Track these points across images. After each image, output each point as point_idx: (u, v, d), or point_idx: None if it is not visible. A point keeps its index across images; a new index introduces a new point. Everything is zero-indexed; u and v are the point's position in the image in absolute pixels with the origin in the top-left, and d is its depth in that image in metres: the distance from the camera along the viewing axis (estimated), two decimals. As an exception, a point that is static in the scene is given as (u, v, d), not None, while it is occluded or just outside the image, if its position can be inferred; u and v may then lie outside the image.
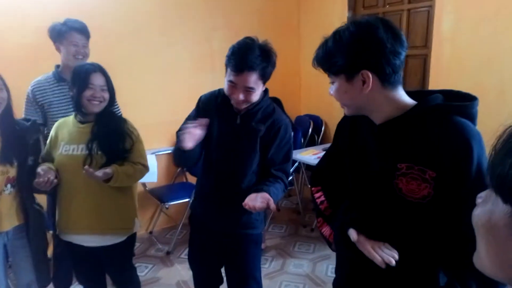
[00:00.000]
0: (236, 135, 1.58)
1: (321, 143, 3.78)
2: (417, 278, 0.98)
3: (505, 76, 2.42)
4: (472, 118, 0.93)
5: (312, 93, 4.03)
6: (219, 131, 1.60)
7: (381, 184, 0.98)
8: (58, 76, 2.19)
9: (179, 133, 1.51)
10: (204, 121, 1.53)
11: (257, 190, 1.41)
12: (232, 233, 1.67)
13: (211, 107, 1.63)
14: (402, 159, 0.94)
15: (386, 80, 0.94)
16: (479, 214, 0.48)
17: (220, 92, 1.64)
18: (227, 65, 1.50)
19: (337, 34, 0.96)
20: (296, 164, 3.45)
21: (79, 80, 1.69)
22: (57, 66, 2.23)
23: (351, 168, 1.11)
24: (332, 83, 1.02)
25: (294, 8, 3.91)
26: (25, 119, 1.89)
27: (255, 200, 1.34)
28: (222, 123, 1.60)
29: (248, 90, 1.47)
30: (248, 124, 1.57)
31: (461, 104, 0.93)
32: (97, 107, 1.71)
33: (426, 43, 2.90)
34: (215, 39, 3.42)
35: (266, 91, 1.62)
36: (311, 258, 2.90)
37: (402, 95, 0.98)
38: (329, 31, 1.02)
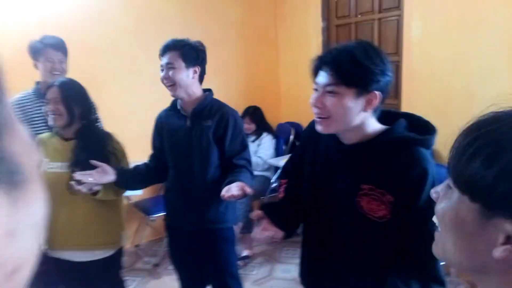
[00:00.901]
0: (188, 136, 1.69)
1: (303, 149, 3.86)
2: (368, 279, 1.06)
3: (472, 78, 2.56)
4: (430, 148, 1.01)
5: (292, 101, 4.12)
6: (172, 136, 1.74)
7: (343, 200, 1.04)
8: (38, 92, 2.19)
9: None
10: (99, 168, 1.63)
11: (228, 183, 1.49)
12: (202, 229, 1.73)
13: (162, 120, 1.81)
14: (366, 180, 1.00)
15: (378, 107, 1.01)
16: (443, 209, 0.51)
17: (171, 103, 1.82)
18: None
19: (367, 47, 0.97)
20: (280, 170, 3.51)
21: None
22: (37, 83, 2.24)
23: (310, 180, 1.16)
24: (330, 93, 0.97)
25: (271, 20, 4.02)
26: None
27: (230, 190, 1.41)
28: (174, 127, 1.73)
29: (169, 67, 1.64)
30: (198, 123, 1.68)
31: (422, 138, 0.99)
32: (56, 120, 1.70)
33: (397, 50, 3.04)
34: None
35: (210, 91, 1.77)
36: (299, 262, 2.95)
37: (375, 121, 1.04)
38: (305, 40, 1.07)
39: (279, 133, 3.90)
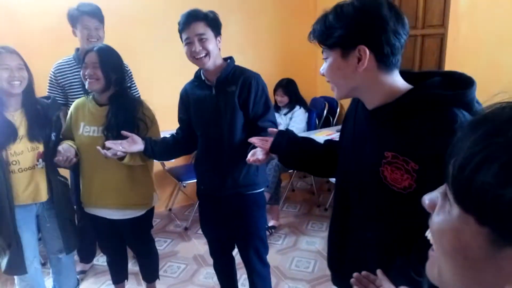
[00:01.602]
0: (214, 104, 1.70)
1: (336, 124, 3.79)
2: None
3: (523, 54, 2.36)
4: (468, 105, 0.86)
5: (328, 74, 4.02)
6: (199, 106, 1.75)
7: (368, 170, 0.97)
8: (78, 58, 2.29)
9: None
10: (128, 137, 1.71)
11: (254, 147, 1.46)
12: (234, 194, 1.77)
13: (188, 92, 1.81)
14: (389, 147, 0.91)
15: (383, 61, 0.90)
16: (441, 225, 0.41)
17: (195, 75, 1.82)
18: (180, 35, 1.66)
19: (339, 7, 0.92)
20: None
21: (81, 62, 1.80)
22: (77, 49, 2.34)
23: (341, 151, 1.12)
24: (325, 59, 0.97)
25: (310, -12, 3.88)
26: (45, 97, 2.00)
27: (256, 154, 1.39)
28: (200, 99, 1.74)
29: (201, 39, 1.61)
30: (222, 90, 1.69)
31: (455, 93, 0.87)
32: (93, 84, 1.74)
33: (443, 22, 2.84)
34: (231, 22, 3.45)
35: (231, 59, 1.75)
36: (324, 236, 2.97)
37: (397, 80, 0.93)
38: None
39: (313, 107, 3.85)
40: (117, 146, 1.66)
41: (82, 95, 2.19)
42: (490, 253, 0.36)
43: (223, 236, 1.95)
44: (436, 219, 0.42)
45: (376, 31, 0.87)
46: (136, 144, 1.71)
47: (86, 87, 1.79)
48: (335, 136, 3.30)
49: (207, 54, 1.63)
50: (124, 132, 1.71)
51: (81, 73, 1.79)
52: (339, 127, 3.86)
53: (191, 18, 1.62)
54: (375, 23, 0.87)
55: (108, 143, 1.65)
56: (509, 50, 2.41)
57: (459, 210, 0.38)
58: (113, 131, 1.77)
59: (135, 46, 3.00)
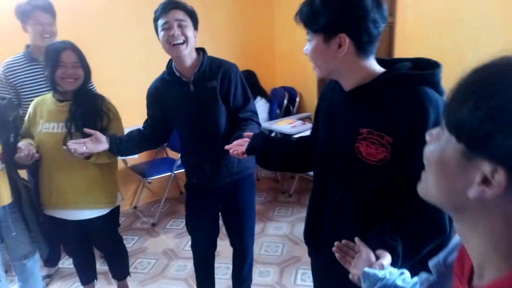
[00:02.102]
0: (195, 101, 1.67)
1: (296, 113, 3.90)
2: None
3: (464, 40, 2.56)
4: (435, 85, 0.96)
5: (287, 65, 4.11)
6: (178, 105, 1.71)
7: (343, 147, 1.05)
8: (29, 56, 2.20)
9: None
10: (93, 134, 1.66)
11: (235, 138, 1.47)
12: (228, 182, 1.80)
13: (161, 91, 1.74)
14: (364, 124, 0.99)
15: (361, 48, 0.97)
16: (432, 150, 0.53)
17: (162, 74, 1.75)
18: (156, 21, 1.60)
19: None
20: (273, 134, 3.58)
21: (50, 59, 1.71)
22: (27, 46, 2.23)
23: (318, 132, 1.19)
24: (309, 41, 1.03)
25: (265, -20, 3.93)
26: (0, 98, 1.91)
27: (238, 145, 1.40)
28: (178, 96, 1.69)
29: (181, 25, 1.57)
30: (202, 87, 1.66)
31: (424, 73, 0.96)
32: (72, 84, 1.73)
33: (392, 11, 3.01)
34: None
35: (204, 51, 1.72)
36: (290, 220, 3.09)
37: (373, 64, 1.01)
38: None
39: (273, 98, 3.93)
40: (81, 147, 1.60)
41: (35, 94, 2.13)
42: (462, 165, 0.47)
43: (213, 228, 1.97)
44: (430, 147, 0.53)
45: (357, 21, 0.94)
46: (100, 144, 1.66)
47: (62, 87, 1.73)
48: (297, 124, 3.41)
49: (185, 41, 1.58)
50: (87, 130, 1.66)
51: (56, 72, 1.69)
52: (300, 115, 4.01)
53: (171, 5, 1.57)
54: (357, 14, 0.93)
55: (71, 144, 1.59)
56: (451, 37, 2.61)
57: (447, 133, 0.49)
58: (77, 124, 1.73)
59: (90, 42, 2.90)
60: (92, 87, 2.46)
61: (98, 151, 1.67)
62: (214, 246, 2.02)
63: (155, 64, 3.47)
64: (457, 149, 0.47)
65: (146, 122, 1.86)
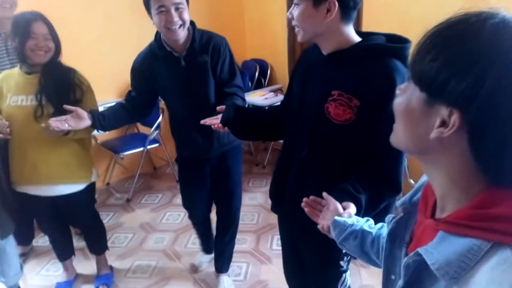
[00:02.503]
0: (186, 76, 1.67)
1: (268, 85, 3.92)
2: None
3: (429, 9, 2.65)
4: (404, 59, 1.04)
5: (257, 38, 4.08)
6: (169, 79, 1.69)
7: (313, 106, 1.13)
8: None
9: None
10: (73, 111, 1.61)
11: (218, 113, 1.48)
12: (219, 154, 1.86)
13: (149, 64, 1.70)
14: (336, 86, 1.07)
15: (346, 13, 1.04)
16: (399, 101, 0.58)
17: (154, 44, 1.69)
18: (148, 2, 1.55)
19: None
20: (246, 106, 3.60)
21: (20, 30, 1.63)
22: (-14, 17, 2.10)
23: (291, 95, 1.25)
24: (296, 5, 1.07)
25: None
26: None
27: (213, 119, 1.43)
28: (169, 71, 1.68)
29: (178, 8, 1.53)
30: (193, 61, 1.66)
31: (396, 46, 1.05)
32: (42, 57, 1.67)
33: (360, -19, 3.04)
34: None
35: (193, 24, 1.69)
36: (264, 190, 3.16)
37: (352, 32, 1.09)
38: None
39: (244, 70, 3.92)
40: (62, 124, 1.54)
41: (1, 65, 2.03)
42: (424, 111, 0.53)
43: (207, 196, 2.03)
44: (398, 99, 0.59)
45: None
46: (82, 120, 1.61)
47: (32, 59, 1.66)
48: (268, 96, 3.44)
49: (182, 24, 1.56)
50: (66, 107, 1.60)
51: (26, 44, 1.61)
52: (272, 87, 4.03)
53: None
54: None
55: (53, 122, 1.53)
56: (417, 7, 2.69)
57: (412, 85, 0.55)
58: (48, 95, 1.68)
59: (56, 14, 2.76)
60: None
61: (80, 128, 1.62)
62: (209, 210, 2.14)
63: (123, 37, 3.38)
64: (420, 97, 0.53)
65: (128, 95, 1.82)
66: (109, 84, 3.16)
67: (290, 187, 1.25)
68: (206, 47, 1.67)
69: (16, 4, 2.09)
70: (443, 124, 0.50)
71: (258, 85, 3.93)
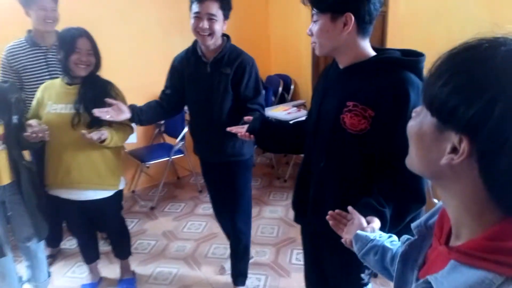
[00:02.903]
0: (208, 82, 1.79)
1: (291, 100, 3.98)
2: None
3: (453, 28, 2.65)
4: (418, 72, 1.08)
5: (281, 53, 4.17)
6: (193, 81, 1.83)
7: (330, 117, 1.17)
8: (31, 41, 2.23)
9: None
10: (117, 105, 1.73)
11: (242, 124, 1.58)
12: (224, 162, 1.94)
13: (183, 63, 1.87)
14: (352, 98, 1.11)
15: (362, 28, 1.09)
16: (412, 124, 0.58)
17: (187, 50, 1.87)
18: (191, 3, 1.70)
19: None
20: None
21: (66, 44, 1.76)
22: (29, 31, 2.26)
23: (312, 105, 1.31)
24: (315, 21, 1.13)
25: (261, -32, 3.96)
26: (3, 81, 1.95)
27: (239, 128, 1.53)
28: (195, 73, 1.82)
29: (211, 18, 1.67)
30: (217, 70, 1.78)
31: (410, 59, 1.09)
32: (83, 70, 1.79)
33: (385, 1, 3.08)
34: (184, 2, 3.43)
35: (228, 38, 1.82)
36: (285, 204, 3.19)
37: (368, 46, 1.14)
38: None
39: (268, 85, 3.99)
40: (104, 114, 1.66)
41: (36, 79, 2.17)
42: (436, 137, 0.53)
43: (222, 198, 2.12)
44: (412, 122, 0.59)
45: (362, 2, 1.06)
46: (122, 113, 1.72)
47: (74, 72, 1.79)
48: (291, 111, 3.49)
49: (211, 34, 1.69)
50: (108, 100, 1.71)
51: (70, 58, 1.75)
52: (295, 102, 4.08)
53: None
54: None
55: (96, 111, 1.64)
56: (441, 24, 2.70)
57: (424, 109, 0.55)
58: (86, 105, 1.78)
59: (88, 27, 2.93)
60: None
61: (120, 120, 1.73)
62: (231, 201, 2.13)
63: (150, 53, 3.52)
64: (431, 122, 0.53)
65: (163, 93, 1.97)
66: (137, 96, 3.27)
67: (311, 197, 1.28)
68: (233, 61, 1.77)
69: (58, 19, 2.23)
70: (454, 150, 0.50)
71: (282, 100, 4.00)
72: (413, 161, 0.59)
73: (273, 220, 2.97)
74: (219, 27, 1.70)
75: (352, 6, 1.06)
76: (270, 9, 4.11)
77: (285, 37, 4.02)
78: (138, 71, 3.33)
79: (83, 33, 1.78)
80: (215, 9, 1.66)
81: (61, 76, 1.88)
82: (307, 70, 3.83)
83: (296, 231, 2.72)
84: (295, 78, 4.05)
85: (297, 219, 1.43)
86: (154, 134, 3.58)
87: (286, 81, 4.05)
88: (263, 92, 1.91)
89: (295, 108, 3.57)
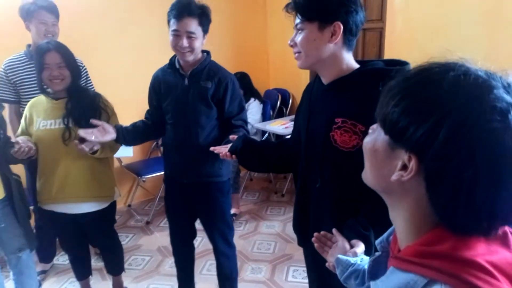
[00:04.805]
0: (186, 95, 1.75)
1: (289, 114, 3.98)
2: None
3: (450, 47, 2.65)
4: None
5: (280, 67, 4.19)
6: (170, 94, 1.79)
7: (319, 136, 1.14)
8: (30, 55, 2.24)
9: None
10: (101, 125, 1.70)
11: (226, 142, 1.56)
12: (199, 182, 1.86)
13: (159, 77, 1.84)
14: (340, 114, 1.07)
15: (348, 40, 1.07)
16: (367, 141, 0.60)
17: (164, 66, 1.83)
18: (169, 21, 1.66)
19: None
20: (266, 134, 3.65)
21: (37, 62, 1.75)
22: (29, 46, 2.28)
23: (298, 127, 1.28)
24: (300, 30, 1.08)
25: (259, -16, 4.01)
26: None
27: (223, 148, 1.50)
28: (172, 86, 1.78)
29: (190, 36, 1.64)
30: (196, 84, 1.74)
31: (394, 68, 1.04)
32: (59, 85, 1.76)
33: (381, 17, 3.11)
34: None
35: (208, 53, 1.80)
36: (282, 219, 3.15)
37: (352, 59, 1.12)
38: None
39: (267, 99, 4.00)
40: (89, 136, 1.64)
41: (35, 92, 2.17)
42: (388, 154, 0.55)
43: (187, 223, 2.02)
44: (367, 138, 0.61)
45: (352, 11, 1.04)
46: (108, 134, 1.70)
47: (51, 88, 1.77)
48: (289, 125, 3.48)
49: (190, 51, 1.67)
50: (93, 121, 1.70)
51: (42, 74, 1.73)
52: (292, 116, 4.07)
53: (185, 12, 1.60)
54: (351, 5, 1.04)
55: (81, 132, 1.63)
56: (438, 41, 2.71)
57: (378, 127, 0.58)
58: (75, 118, 1.77)
59: (86, 42, 2.95)
60: (91, 86, 2.52)
61: (105, 141, 1.71)
62: (189, 241, 2.08)
63: (149, 64, 3.52)
64: (384, 140, 0.55)
65: (147, 113, 1.94)
66: (135, 110, 3.28)
67: (311, 219, 1.24)
68: (212, 76, 1.75)
69: (58, 34, 2.25)
70: (404, 168, 0.52)
71: (280, 114, 3.99)
72: (367, 175, 0.62)
73: (270, 235, 2.93)
74: (199, 43, 1.68)
75: (342, 15, 1.04)
76: (269, 23, 4.14)
77: (283, 52, 4.04)
78: (136, 84, 3.31)
79: (51, 47, 1.72)
80: (194, 27, 1.63)
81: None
82: (305, 84, 3.78)
83: (293, 247, 2.69)
84: (293, 92, 4.06)
85: (300, 242, 1.39)
86: (151, 148, 3.56)
87: (284, 95, 4.05)
88: (245, 108, 1.88)
89: (293, 122, 3.56)
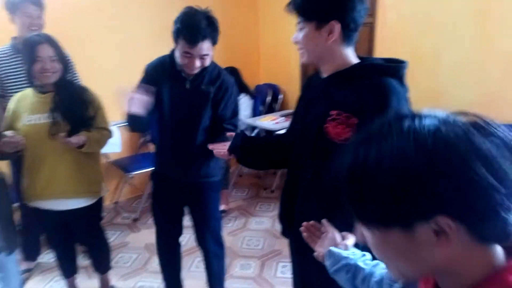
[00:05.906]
0: (187, 98, 1.72)
1: (280, 110, 3.95)
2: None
3: (440, 44, 2.66)
4: (400, 78, 1.09)
5: (271, 63, 4.16)
6: (170, 96, 1.74)
7: (314, 127, 1.15)
8: (15, 48, 2.18)
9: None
10: (151, 88, 1.63)
11: (222, 140, 1.53)
12: (193, 182, 1.85)
13: (159, 74, 1.75)
14: (335, 106, 1.10)
15: (347, 35, 1.09)
16: (372, 245, 0.54)
17: (167, 58, 1.73)
18: (177, 37, 1.60)
19: None
20: (257, 130, 3.62)
21: (27, 54, 1.69)
22: (14, 38, 2.21)
23: (297, 115, 1.29)
24: (300, 29, 1.12)
25: (250, -23, 3.95)
26: None
27: (221, 146, 1.48)
28: (173, 88, 1.73)
29: (203, 58, 1.63)
30: (197, 87, 1.71)
31: (391, 65, 1.09)
32: (50, 78, 1.72)
33: (372, 12, 3.08)
34: (174, 11, 3.41)
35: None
36: (271, 215, 3.14)
37: (352, 54, 1.13)
38: (285, 1, 1.11)
39: (257, 94, 3.97)
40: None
41: (19, 86, 2.11)
42: (410, 238, 0.48)
43: (173, 221, 1.99)
44: (377, 251, 0.55)
45: (347, 10, 1.06)
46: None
47: (41, 81, 1.72)
48: (279, 120, 3.46)
49: (201, 67, 1.65)
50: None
51: (33, 67, 1.68)
52: (283, 112, 4.06)
53: (199, 38, 1.54)
54: (347, 3, 1.06)
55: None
56: (429, 37, 2.71)
57: (378, 231, 0.52)
58: (62, 112, 1.73)
59: (76, 36, 2.87)
60: (76, 78, 2.45)
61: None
62: (176, 239, 2.05)
63: (138, 61, 3.46)
64: (395, 232, 0.49)
65: None
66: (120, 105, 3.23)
67: (298, 210, 1.25)
68: (215, 80, 1.73)
69: (43, 26, 2.19)
70: (438, 233, 0.47)
71: (270, 110, 3.97)
72: (406, 272, 0.53)
73: (259, 232, 2.92)
74: (210, 59, 1.67)
75: (337, 14, 1.06)
76: (260, 18, 4.10)
77: (274, 47, 4.01)
78: (127, 79, 3.23)
79: (43, 40, 1.69)
80: (207, 48, 1.60)
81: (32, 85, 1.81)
82: (296, 79, 3.82)
83: (282, 243, 2.67)
84: (284, 87, 4.03)
85: (284, 232, 1.39)
86: (139, 143, 3.51)
87: (275, 90, 4.02)
88: (239, 114, 1.88)
89: (283, 118, 3.54)
